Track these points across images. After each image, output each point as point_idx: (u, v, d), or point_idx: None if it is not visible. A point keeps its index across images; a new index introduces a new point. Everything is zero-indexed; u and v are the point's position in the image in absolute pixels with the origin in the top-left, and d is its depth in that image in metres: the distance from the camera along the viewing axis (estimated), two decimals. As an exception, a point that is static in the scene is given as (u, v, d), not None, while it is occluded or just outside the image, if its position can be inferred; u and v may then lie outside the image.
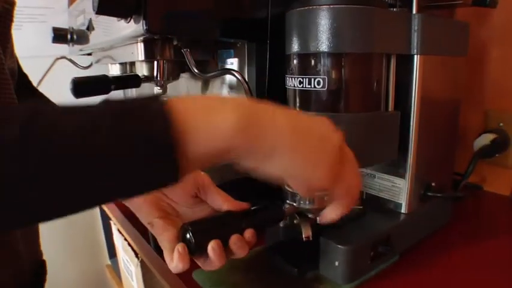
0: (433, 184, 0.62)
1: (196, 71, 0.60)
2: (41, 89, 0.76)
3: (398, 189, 0.59)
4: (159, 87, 0.72)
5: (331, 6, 0.46)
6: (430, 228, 0.65)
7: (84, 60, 1.23)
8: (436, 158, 0.62)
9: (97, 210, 1.46)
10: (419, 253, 0.60)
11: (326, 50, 0.47)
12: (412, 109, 0.55)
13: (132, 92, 1.30)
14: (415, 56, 0.54)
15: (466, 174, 0.76)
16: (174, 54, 0.69)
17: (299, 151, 0.34)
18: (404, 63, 0.54)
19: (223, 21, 0.59)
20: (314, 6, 0.47)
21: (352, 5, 0.47)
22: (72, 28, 1.13)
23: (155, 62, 0.70)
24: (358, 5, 0.47)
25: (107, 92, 0.75)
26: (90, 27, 0.88)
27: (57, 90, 0.88)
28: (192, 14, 0.57)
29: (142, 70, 0.77)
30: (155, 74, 0.71)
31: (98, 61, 1.12)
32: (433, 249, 0.61)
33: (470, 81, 0.88)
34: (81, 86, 0.66)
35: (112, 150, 0.27)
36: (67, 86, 0.75)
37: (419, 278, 0.54)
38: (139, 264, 1.05)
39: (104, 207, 1.08)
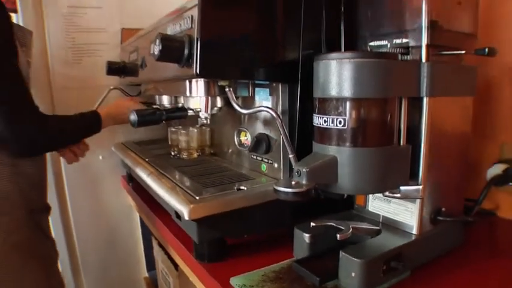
0: (443, 209, 0.70)
1: (238, 108, 0.71)
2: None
3: (410, 213, 0.67)
4: (203, 119, 0.83)
5: (352, 60, 0.56)
6: (441, 248, 0.73)
7: (133, 89, 1.37)
8: (445, 186, 0.70)
9: (138, 226, 1.58)
10: (430, 271, 0.68)
11: (348, 96, 0.57)
12: (422, 143, 0.64)
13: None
14: (424, 97, 0.63)
15: (478, 201, 0.84)
16: (218, 91, 0.80)
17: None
18: (415, 103, 0.64)
19: (261, 66, 0.70)
20: (338, 59, 0.57)
21: (371, 59, 0.57)
22: (124, 62, 1.27)
23: (201, 98, 0.82)
24: (375, 58, 0.57)
25: (158, 123, 0.87)
26: (143, 65, 1.01)
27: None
28: (235, 61, 0.68)
29: (189, 103, 0.89)
30: (201, 107, 0.82)
31: (145, 91, 1.26)
32: (444, 268, 0.69)
33: (486, 116, 0.96)
34: (141, 119, 0.79)
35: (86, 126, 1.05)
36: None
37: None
38: (178, 275, 1.16)
39: (148, 224, 1.20)
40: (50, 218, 1.12)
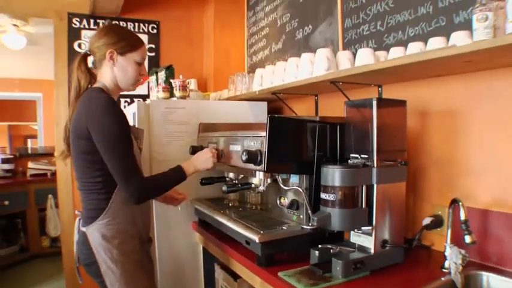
0: (388, 240, 1.36)
1: (282, 186, 1.42)
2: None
3: (369, 241, 1.34)
4: (261, 190, 1.54)
5: (338, 169, 1.26)
6: (389, 261, 1.38)
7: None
8: (389, 227, 1.37)
9: (201, 258, 2.25)
10: (380, 272, 1.33)
11: (336, 185, 1.26)
12: (374, 207, 1.32)
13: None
14: (374, 185, 1.32)
15: (414, 238, 1.49)
16: (269, 175, 1.51)
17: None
18: (370, 187, 1.32)
19: (295, 165, 1.41)
20: (332, 168, 1.27)
21: (348, 169, 1.27)
22: (202, 146, 1.99)
23: (261, 178, 1.52)
24: (348, 168, 1.27)
25: (236, 191, 1.58)
26: (222, 155, 1.73)
27: (193, 184, 1.76)
28: (284, 163, 1.39)
29: (251, 180, 1.59)
30: (260, 184, 1.53)
31: (216, 166, 1.97)
32: (388, 272, 1.34)
33: (424, 189, 1.64)
34: (229, 190, 1.49)
35: (173, 179, 1.62)
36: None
37: (376, 281, 1.28)
38: (237, 285, 1.82)
39: (217, 251, 1.87)
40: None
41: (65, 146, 1.66)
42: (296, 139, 1.41)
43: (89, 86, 1.60)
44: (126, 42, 1.59)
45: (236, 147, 1.60)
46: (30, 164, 5.12)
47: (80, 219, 1.63)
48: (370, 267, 1.32)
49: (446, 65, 1.33)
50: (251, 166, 1.44)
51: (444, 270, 1.35)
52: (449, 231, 1.38)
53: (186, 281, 2.26)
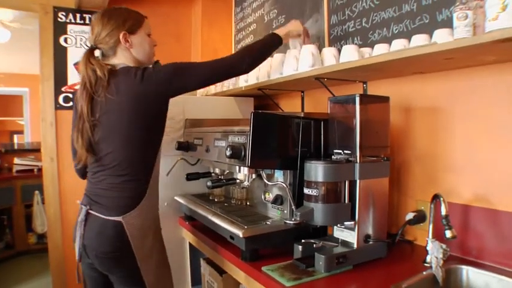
0: (371, 235, 1.38)
1: (266, 181, 1.42)
2: (168, 177, 1.76)
3: (352, 236, 1.35)
4: (245, 185, 1.54)
5: (321, 164, 1.27)
6: (372, 256, 1.40)
7: (193, 159, 2.09)
8: (372, 222, 1.38)
9: (187, 253, 2.25)
10: (363, 266, 1.35)
11: (318, 180, 1.27)
12: (356, 202, 1.33)
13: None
14: (357, 180, 1.33)
15: (397, 233, 1.51)
16: (254, 170, 1.51)
17: None
18: (353, 182, 1.33)
19: (279, 161, 1.41)
20: (314, 163, 1.28)
21: (330, 164, 1.28)
22: (188, 142, 1.99)
23: (245, 174, 1.52)
24: (331, 163, 1.28)
25: (221, 187, 1.58)
26: (208, 150, 1.73)
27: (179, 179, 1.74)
28: (268, 159, 1.40)
29: (236, 175, 1.59)
30: (245, 179, 1.53)
31: (202, 161, 1.97)
32: (371, 266, 1.36)
33: (408, 184, 1.66)
34: (214, 185, 1.49)
35: (271, 44, 1.77)
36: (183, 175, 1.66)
37: (359, 275, 1.29)
38: (222, 280, 1.82)
39: (203, 247, 1.87)
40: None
41: (86, 149, 1.48)
42: (280, 135, 1.42)
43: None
44: (132, 20, 1.57)
45: (221, 143, 1.60)
46: (16, 160, 5.07)
47: (87, 210, 1.47)
48: (353, 262, 1.34)
49: (429, 62, 1.35)
50: (235, 162, 1.45)
51: (426, 264, 1.37)
52: (431, 226, 1.40)
53: (173, 276, 2.25)
